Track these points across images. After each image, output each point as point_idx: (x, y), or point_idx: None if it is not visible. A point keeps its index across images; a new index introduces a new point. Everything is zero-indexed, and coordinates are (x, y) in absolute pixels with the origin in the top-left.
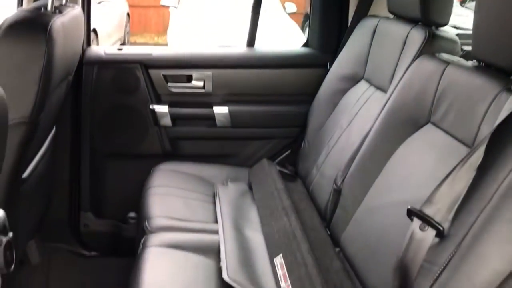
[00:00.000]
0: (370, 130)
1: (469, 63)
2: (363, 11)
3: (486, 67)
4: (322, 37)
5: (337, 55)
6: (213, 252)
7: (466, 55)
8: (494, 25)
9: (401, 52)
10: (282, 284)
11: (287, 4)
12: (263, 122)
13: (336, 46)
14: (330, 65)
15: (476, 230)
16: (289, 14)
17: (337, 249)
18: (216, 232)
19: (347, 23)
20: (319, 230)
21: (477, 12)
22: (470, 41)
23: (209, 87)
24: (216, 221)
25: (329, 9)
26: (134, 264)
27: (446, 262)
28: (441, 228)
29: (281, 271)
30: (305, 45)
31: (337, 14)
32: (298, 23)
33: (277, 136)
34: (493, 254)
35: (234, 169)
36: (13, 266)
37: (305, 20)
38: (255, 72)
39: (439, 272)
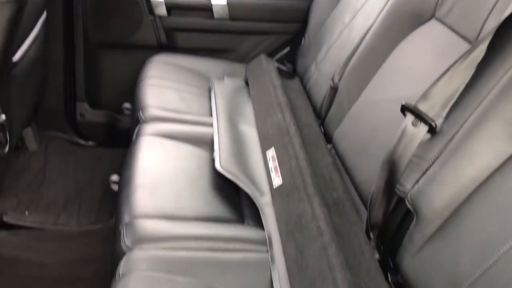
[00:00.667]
0: (372, 25)
1: None
2: None
3: None
4: None
5: None
6: (206, 143)
7: None
8: None
9: None
10: (273, 175)
11: None
12: (262, 15)
13: None
14: None
15: (468, 127)
16: None
17: (329, 146)
18: (210, 125)
19: None
20: (313, 126)
21: None
22: None
23: None
24: (210, 115)
25: None
26: (128, 152)
27: (435, 157)
28: (433, 124)
29: (272, 163)
30: None
31: None
32: None
33: (277, 32)
34: (482, 150)
35: (230, 64)
36: (6, 148)
37: None
38: None
39: (427, 166)
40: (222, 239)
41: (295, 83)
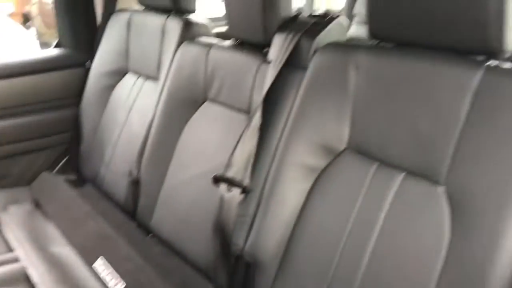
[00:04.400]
0: (153, 118)
1: (227, 42)
2: (111, 7)
3: (242, 44)
4: (74, 36)
5: (95, 53)
6: (22, 280)
7: (218, 35)
8: (245, 6)
9: (162, 40)
10: (112, 282)
11: (1, 4)
12: (29, 134)
13: (91, 44)
14: (90, 64)
15: (272, 177)
16: (8, 15)
17: (151, 235)
18: (17, 260)
19: (96, 19)
20: (128, 223)
21: None
22: (218, 23)
23: None
24: (10, 250)
25: (75, 7)
26: None
27: (254, 211)
28: (243, 185)
29: (106, 271)
30: (58, 45)
31: (84, 11)
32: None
33: (50, 145)
34: (289, 193)
35: (11, 191)
36: None
37: (26, 20)
38: (5, 83)
39: (251, 221)
40: None
41: (89, 189)
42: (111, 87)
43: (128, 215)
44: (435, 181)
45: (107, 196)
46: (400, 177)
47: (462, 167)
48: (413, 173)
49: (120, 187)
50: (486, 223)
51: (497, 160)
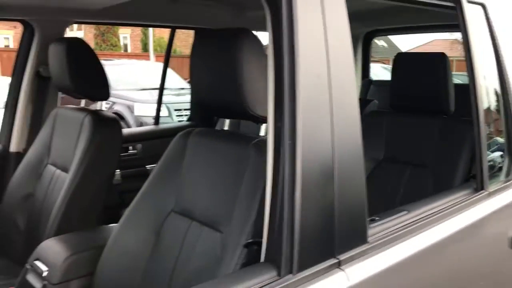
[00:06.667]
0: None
1: None
2: None
3: None
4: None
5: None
6: None
7: None
8: None
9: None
10: None
11: None
12: None
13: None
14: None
15: None
16: None
17: None
18: None
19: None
20: None
21: None
22: None
23: None
24: None
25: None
26: None
27: None
28: None
29: None
30: None
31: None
32: None
33: None
34: None
35: None
36: None
37: None
38: None
39: None
40: None
41: None
42: None
43: None
44: (426, 167)
45: None
46: (409, 168)
47: (436, 159)
48: (415, 165)
49: None
50: (445, 175)
51: (450, 153)
